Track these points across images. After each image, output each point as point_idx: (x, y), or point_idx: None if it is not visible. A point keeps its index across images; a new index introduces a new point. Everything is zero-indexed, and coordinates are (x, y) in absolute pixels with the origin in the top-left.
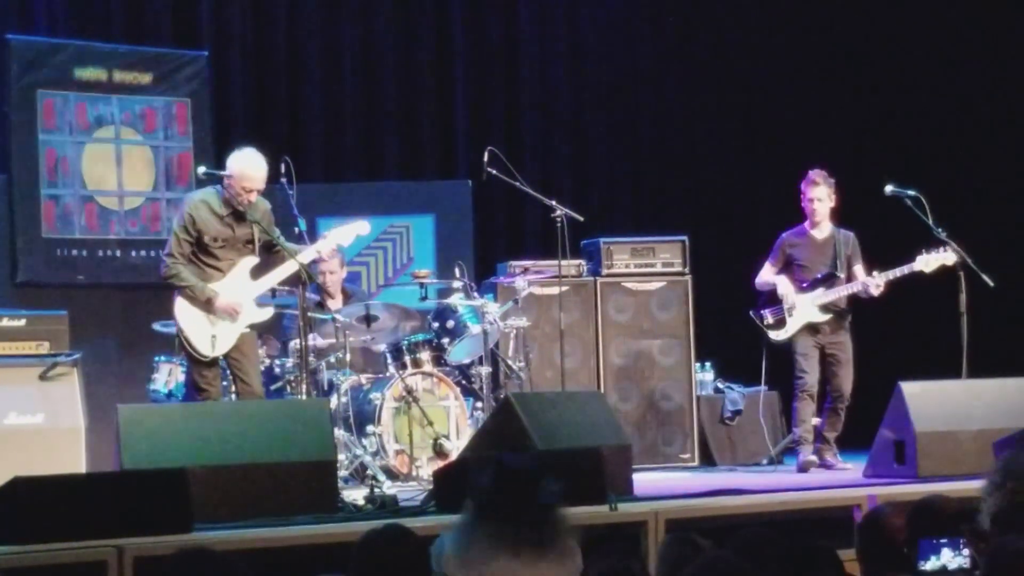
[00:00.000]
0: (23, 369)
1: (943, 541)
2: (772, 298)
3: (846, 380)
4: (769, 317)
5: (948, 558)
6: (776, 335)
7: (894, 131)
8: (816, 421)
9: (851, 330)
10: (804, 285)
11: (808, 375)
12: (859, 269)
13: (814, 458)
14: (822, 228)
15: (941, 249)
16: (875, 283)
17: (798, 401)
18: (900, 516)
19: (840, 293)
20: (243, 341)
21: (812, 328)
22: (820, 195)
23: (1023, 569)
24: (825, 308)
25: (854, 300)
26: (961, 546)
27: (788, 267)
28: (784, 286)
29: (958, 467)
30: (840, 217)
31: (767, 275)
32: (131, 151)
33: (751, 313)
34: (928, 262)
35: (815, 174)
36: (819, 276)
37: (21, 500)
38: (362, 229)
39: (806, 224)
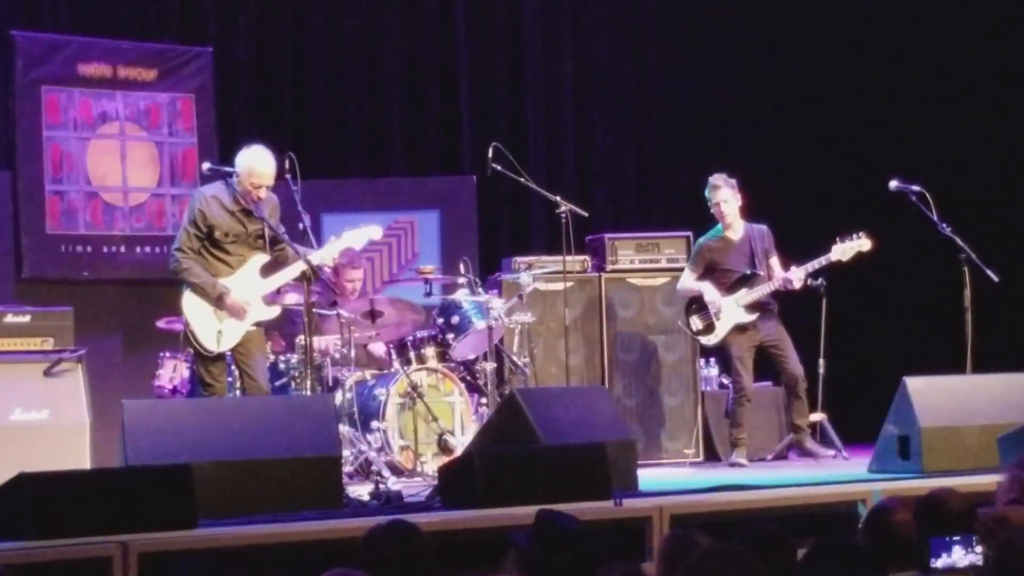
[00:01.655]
0: (28, 365)
1: (955, 539)
2: (697, 304)
3: (794, 363)
4: (698, 323)
5: (959, 555)
6: (707, 340)
7: (898, 126)
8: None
9: (779, 317)
10: (727, 286)
11: (744, 378)
12: (775, 261)
13: (744, 461)
14: (736, 228)
15: (855, 236)
16: (796, 277)
17: (737, 406)
18: (905, 511)
19: (763, 291)
20: (249, 337)
21: (741, 328)
22: (725, 197)
23: None
24: (751, 307)
25: (779, 294)
26: (973, 543)
27: (710, 272)
28: (709, 292)
29: (963, 462)
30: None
31: (688, 282)
32: (136, 147)
33: (679, 322)
34: (844, 251)
35: (716, 179)
36: (741, 276)
37: (26, 496)
38: (375, 234)
39: (720, 226)
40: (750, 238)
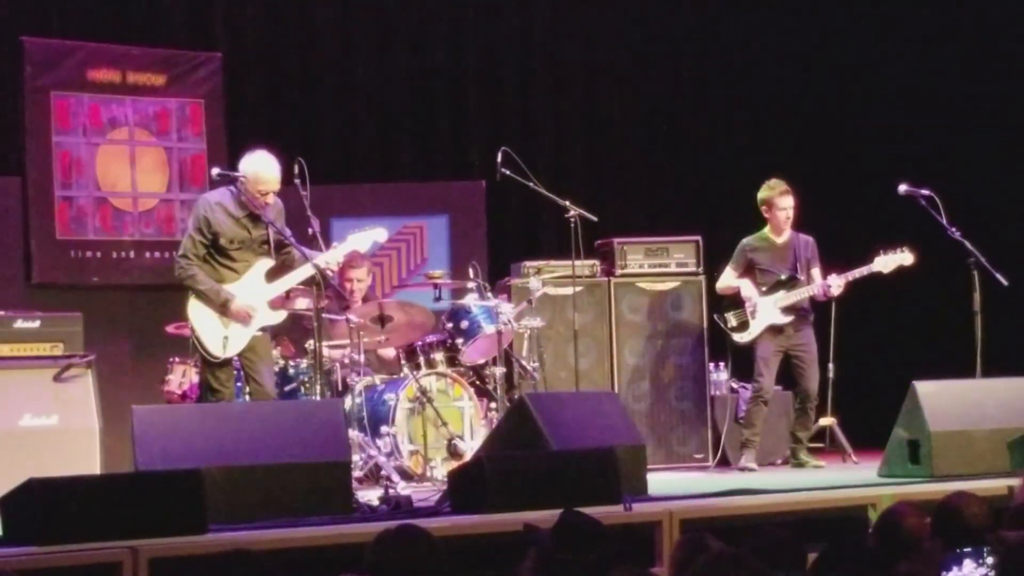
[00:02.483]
0: (38, 370)
1: (966, 551)
2: (735, 301)
3: (812, 380)
4: (733, 320)
5: (970, 569)
6: (740, 337)
7: (907, 130)
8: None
9: (815, 329)
10: (765, 288)
11: (765, 380)
12: (816, 272)
13: (754, 465)
14: (784, 233)
15: (899, 249)
16: (836, 284)
17: (752, 404)
18: (916, 515)
19: (801, 295)
20: (255, 343)
21: (775, 330)
22: (793, 203)
23: None
24: (787, 310)
25: (815, 301)
26: (984, 555)
27: (750, 271)
28: (748, 289)
29: (973, 466)
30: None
31: (728, 279)
32: (145, 152)
33: (715, 316)
34: (887, 263)
35: (783, 185)
36: (781, 279)
37: (36, 501)
38: (379, 236)
39: (766, 229)
40: (794, 244)
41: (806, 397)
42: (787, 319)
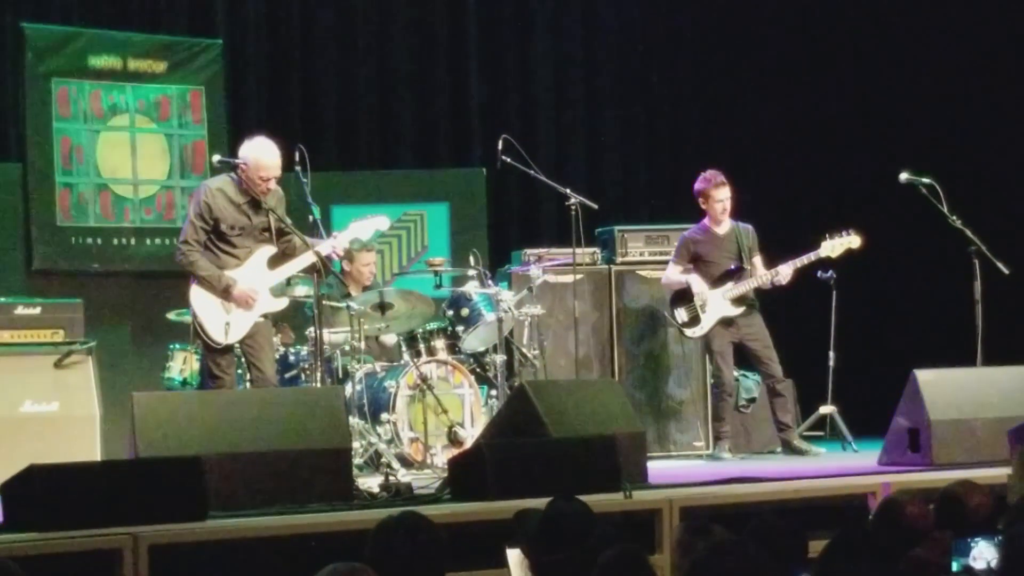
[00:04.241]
0: (38, 357)
1: (977, 540)
2: (682, 296)
3: (773, 363)
4: (683, 315)
5: (977, 556)
6: (692, 332)
7: (907, 118)
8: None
9: (762, 314)
10: (711, 281)
11: (724, 373)
12: (758, 260)
13: (729, 455)
14: (723, 224)
15: (844, 233)
16: (784, 273)
17: (719, 400)
18: (915, 504)
19: (749, 285)
20: (257, 329)
21: (726, 322)
22: (729, 195)
23: None
24: (736, 301)
25: (762, 291)
26: (997, 542)
27: (695, 265)
28: (696, 283)
29: (973, 455)
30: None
31: (674, 274)
32: (146, 139)
33: (665, 313)
34: (834, 247)
35: (719, 176)
36: (728, 270)
37: (36, 488)
38: (381, 224)
39: (706, 221)
40: (736, 234)
41: (774, 380)
42: (737, 310)
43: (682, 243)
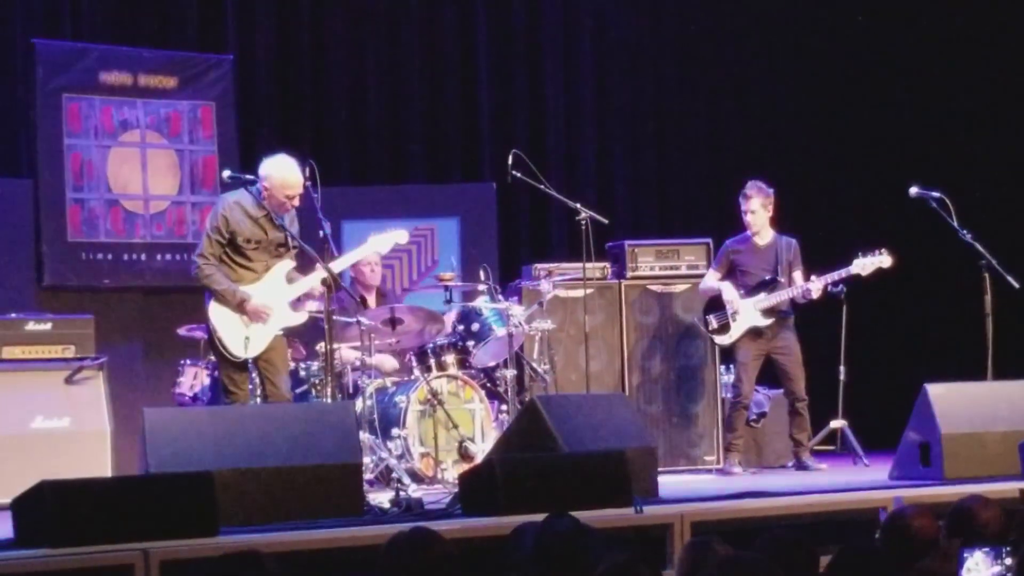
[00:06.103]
0: (49, 373)
1: (985, 551)
2: (716, 303)
3: (798, 381)
4: (714, 322)
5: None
6: (721, 339)
7: (917, 133)
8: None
9: (795, 330)
10: (745, 291)
11: (744, 385)
12: (798, 275)
13: (739, 469)
14: (763, 235)
15: (877, 252)
16: (815, 287)
17: (732, 410)
18: (924, 517)
19: (781, 297)
20: (275, 344)
21: (755, 332)
22: (754, 207)
23: None
24: (767, 312)
25: (795, 303)
26: (1003, 555)
27: (732, 273)
28: (728, 291)
29: (984, 469)
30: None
31: (711, 281)
32: (156, 155)
33: (696, 319)
34: (864, 265)
35: (749, 188)
36: (762, 281)
37: (47, 504)
38: (400, 238)
39: (748, 231)
40: (776, 247)
41: (795, 398)
42: (767, 321)
43: (723, 251)
